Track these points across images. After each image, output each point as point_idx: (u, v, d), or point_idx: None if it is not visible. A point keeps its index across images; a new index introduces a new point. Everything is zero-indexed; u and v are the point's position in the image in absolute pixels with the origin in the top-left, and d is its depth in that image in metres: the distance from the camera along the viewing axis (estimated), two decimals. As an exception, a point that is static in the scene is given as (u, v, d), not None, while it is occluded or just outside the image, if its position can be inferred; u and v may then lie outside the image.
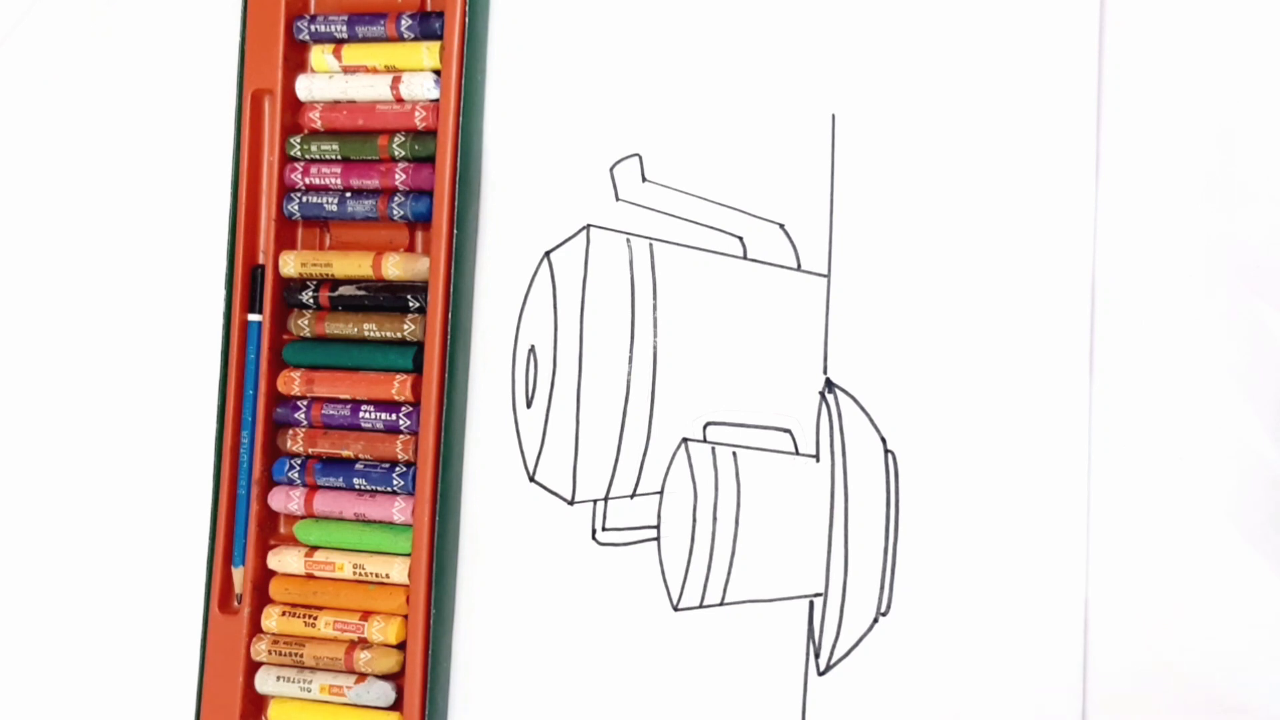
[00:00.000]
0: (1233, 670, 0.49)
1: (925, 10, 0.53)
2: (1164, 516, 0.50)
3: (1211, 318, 0.50)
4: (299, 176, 0.60)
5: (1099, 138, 0.51)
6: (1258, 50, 0.50)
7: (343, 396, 0.59)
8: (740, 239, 0.55)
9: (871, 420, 0.53)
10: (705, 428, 0.55)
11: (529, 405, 0.57)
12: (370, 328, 0.59)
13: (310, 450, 0.59)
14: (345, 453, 0.59)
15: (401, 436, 0.58)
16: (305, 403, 0.60)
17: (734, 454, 0.54)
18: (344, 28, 0.60)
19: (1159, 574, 0.50)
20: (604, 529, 0.56)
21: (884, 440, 0.52)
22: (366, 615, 0.58)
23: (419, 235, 0.60)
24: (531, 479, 0.57)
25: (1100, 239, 0.51)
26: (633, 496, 0.55)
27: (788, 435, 0.54)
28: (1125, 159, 0.51)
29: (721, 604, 0.54)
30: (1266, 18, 0.50)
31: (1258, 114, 0.50)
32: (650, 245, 0.56)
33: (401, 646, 0.57)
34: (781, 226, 0.54)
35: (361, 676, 0.57)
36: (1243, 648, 0.49)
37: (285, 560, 0.59)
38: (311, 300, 0.60)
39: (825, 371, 0.53)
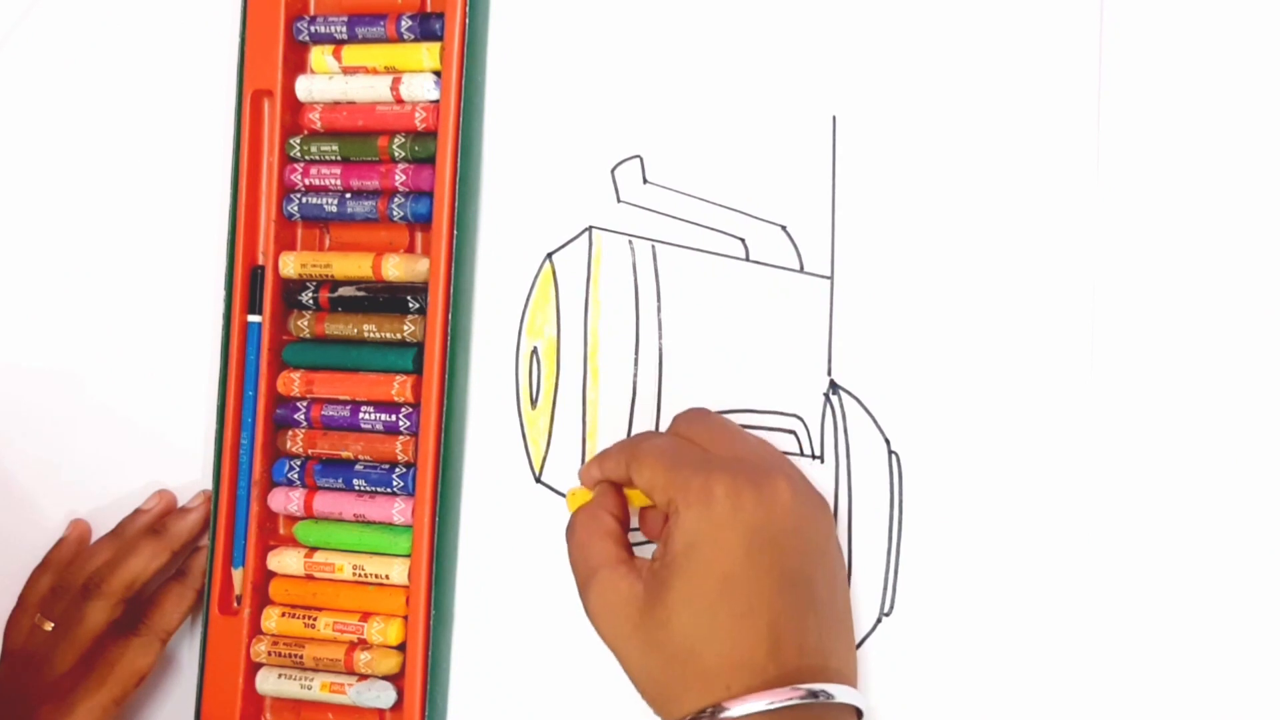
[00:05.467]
0: (1235, 670, 0.49)
1: (925, 12, 0.53)
2: (1166, 516, 0.50)
3: (1212, 318, 0.50)
4: (299, 177, 0.60)
5: (1099, 138, 0.51)
6: (1258, 50, 0.50)
7: (342, 397, 0.59)
8: (742, 241, 0.55)
9: (875, 421, 0.53)
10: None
11: (534, 406, 0.57)
12: (370, 328, 0.59)
13: (310, 451, 0.59)
14: (345, 454, 0.59)
15: (401, 437, 0.58)
16: (305, 404, 0.59)
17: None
18: (344, 28, 0.59)
19: (1162, 573, 0.50)
20: (608, 529, 0.56)
21: (888, 441, 0.53)
22: (366, 616, 0.58)
23: (419, 236, 0.60)
24: (538, 480, 0.57)
25: (1101, 239, 0.51)
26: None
27: (792, 436, 0.54)
28: (1125, 159, 0.51)
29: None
30: (1266, 18, 0.50)
31: (1258, 114, 0.50)
32: (653, 247, 0.56)
33: (401, 648, 0.57)
34: (784, 228, 0.54)
35: (362, 677, 0.57)
36: (1245, 648, 0.49)
37: (285, 561, 0.59)
38: (311, 301, 0.60)
39: (829, 373, 0.54)
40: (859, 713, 0.47)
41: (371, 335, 0.59)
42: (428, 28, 0.58)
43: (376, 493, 0.58)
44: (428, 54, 0.58)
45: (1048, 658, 0.51)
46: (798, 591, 0.47)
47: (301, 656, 0.58)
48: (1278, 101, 0.50)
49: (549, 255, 0.57)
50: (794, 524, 0.47)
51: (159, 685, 0.62)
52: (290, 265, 0.60)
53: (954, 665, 0.51)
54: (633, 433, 0.56)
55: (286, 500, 0.59)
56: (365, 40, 0.60)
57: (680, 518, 0.47)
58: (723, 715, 0.45)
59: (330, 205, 0.59)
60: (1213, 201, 0.50)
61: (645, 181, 0.56)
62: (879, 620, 0.52)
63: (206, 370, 0.62)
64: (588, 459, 0.55)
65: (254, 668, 0.59)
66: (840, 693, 0.46)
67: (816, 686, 0.46)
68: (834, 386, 0.54)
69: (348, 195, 0.59)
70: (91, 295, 0.64)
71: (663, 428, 0.55)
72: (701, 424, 0.51)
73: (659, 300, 0.55)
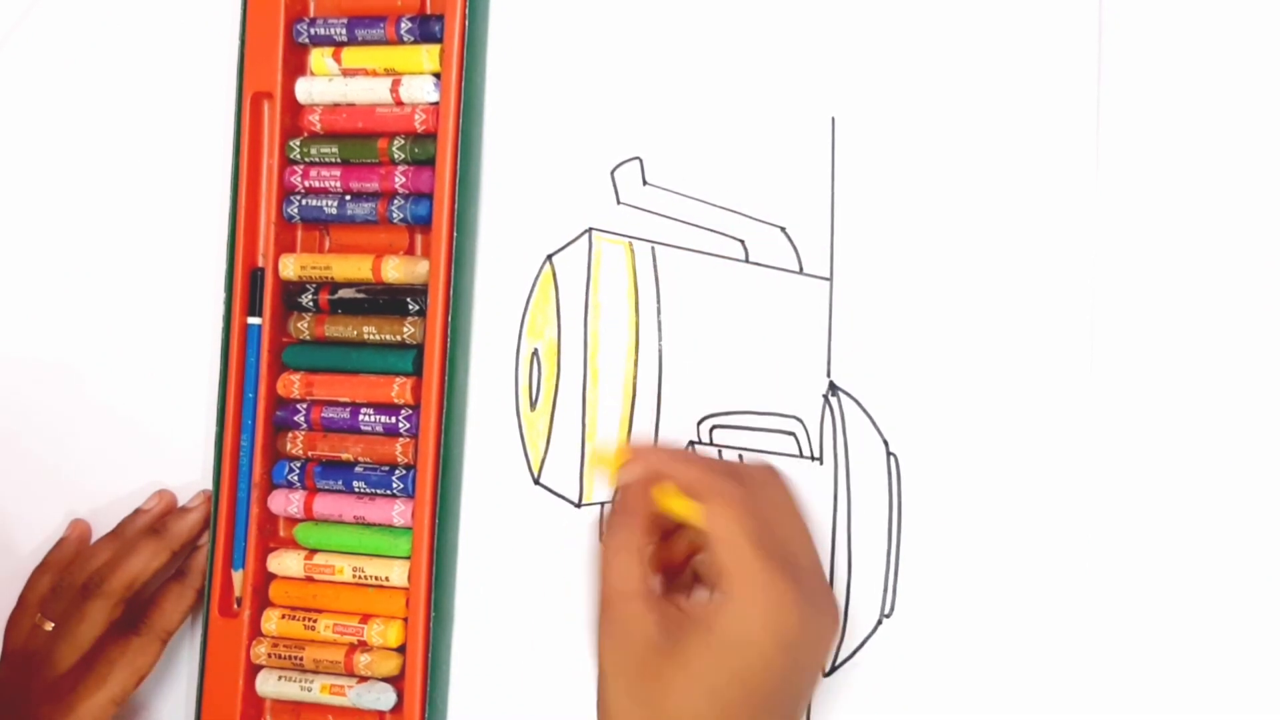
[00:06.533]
0: (1234, 670, 0.49)
1: (924, 13, 0.53)
2: (1165, 517, 0.50)
3: (1212, 318, 0.50)
4: (299, 179, 0.60)
5: (1099, 139, 0.51)
6: (1258, 50, 0.50)
7: (342, 399, 0.59)
8: (742, 242, 0.55)
9: (874, 423, 0.53)
10: (710, 430, 0.55)
11: (533, 408, 0.57)
12: (370, 330, 0.59)
13: (310, 453, 0.59)
14: (345, 456, 0.59)
15: (401, 439, 0.58)
16: (305, 406, 0.59)
17: (739, 456, 0.54)
18: (344, 31, 0.60)
19: (1161, 574, 0.50)
20: (608, 531, 0.56)
21: (887, 442, 0.53)
22: (366, 618, 0.58)
23: (419, 238, 0.60)
24: (537, 481, 0.57)
25: (1100, 240, 0.51)
26: (638, 499, 0.56)
27: (791, 438, 0.54)
28: (1125, 159, 0.51)
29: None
30: (1266, 18, 0.50)
31: (1257, 114, 0.50)
32: (653, 249, 0.56)
33: (401, 650, 0.57)
34: (783, 230, 0.54)
35: (362, 679, 0.57)
36: (1245, 649, 0.49)
37: (285, 563, 0.59)
38: (311, 303, 0.60)
39: (828, 374, 0.54)
40: None
41: (371, 337, 0.59)
42: (427, 30, 0.58)
43: (376, 495, 0.58)
44: (427, 56, 0.58)
45: (1047, 658, 0.51)
46: (793, 711, 0.46)
47: (301, 658, 0.58)
48: (1278, 101, 0.50)
49: (549, 257, 0.57)
50: (826, 649, 0.47)
51: (159, 685, 0.62)
52: (290, 267, 0.60)
53: (954, 666, 0.51)
54: (632, 434, 0.56)
55: (286, 502, 0.59)
56: (365, 42, 0.60)
57: (735, 603, 0.45)
58: None
59: (330, 207, 0.59)
60: (1212, 201, 0.50)
61: (645, 183, 0.56)
62: (879, 621, 0.52)
63: (207, 372, 0.62)
64: (587, 461, 0.55)
65: (254, 670, 0.59)
66: None
67: None
68: (833, 388, 0.54)
69: (347, 197, 0.59)
70: (92, 296, 0.64)
71: (662, 429, 0.55)
72: (772, 489, 0.49)
73: (659, 302, 0.56)
